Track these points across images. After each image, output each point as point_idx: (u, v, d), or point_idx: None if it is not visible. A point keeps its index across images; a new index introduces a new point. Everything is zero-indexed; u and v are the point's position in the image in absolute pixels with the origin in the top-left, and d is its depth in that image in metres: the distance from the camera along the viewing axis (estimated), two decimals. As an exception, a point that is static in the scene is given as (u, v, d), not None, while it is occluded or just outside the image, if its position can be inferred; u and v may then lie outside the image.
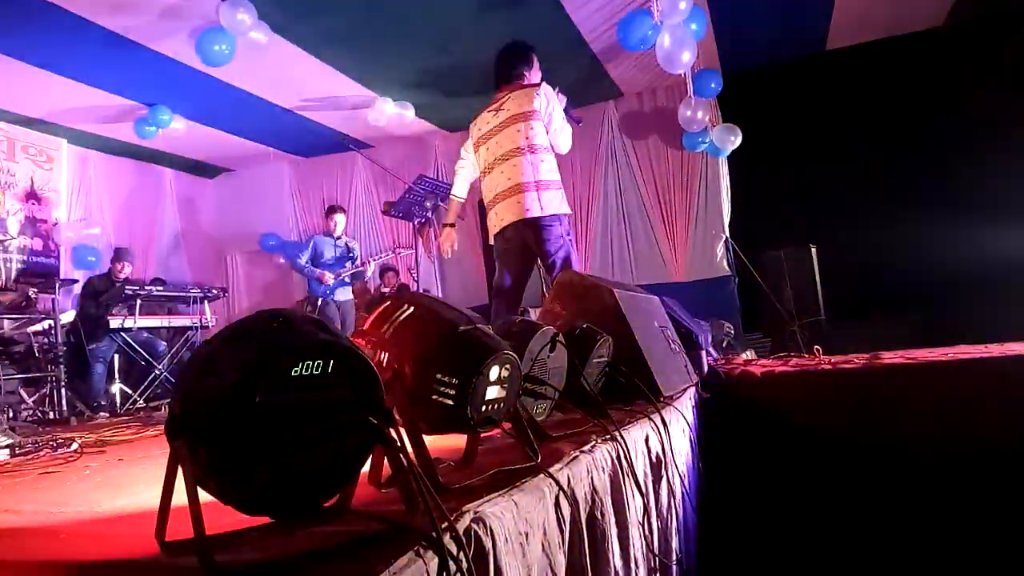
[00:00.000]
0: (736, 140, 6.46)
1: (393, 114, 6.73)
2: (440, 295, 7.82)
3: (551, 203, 3.54)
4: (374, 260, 6.32)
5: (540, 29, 5.61)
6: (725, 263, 7.06)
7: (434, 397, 1.11)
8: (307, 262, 6.27)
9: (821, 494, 2.82)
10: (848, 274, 6.25)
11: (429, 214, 4.95)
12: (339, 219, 6.47)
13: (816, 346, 4.19)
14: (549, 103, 3.63)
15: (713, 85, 6.38)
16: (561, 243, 3.49)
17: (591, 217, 7.50)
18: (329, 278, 6.03)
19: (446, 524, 0.80)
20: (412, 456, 1.11)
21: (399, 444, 0.89)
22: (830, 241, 6.44)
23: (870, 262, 6.10)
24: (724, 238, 7.07)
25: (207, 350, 0.83)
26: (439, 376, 1.11)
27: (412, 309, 1.19)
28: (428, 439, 1.52)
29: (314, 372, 0.82)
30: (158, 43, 5.33)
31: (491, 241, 3.73)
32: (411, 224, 4.99)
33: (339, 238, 6.45)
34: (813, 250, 6.50)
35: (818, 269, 6.50)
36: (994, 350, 3.09)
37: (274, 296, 8.59)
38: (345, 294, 6.32)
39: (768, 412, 2.96)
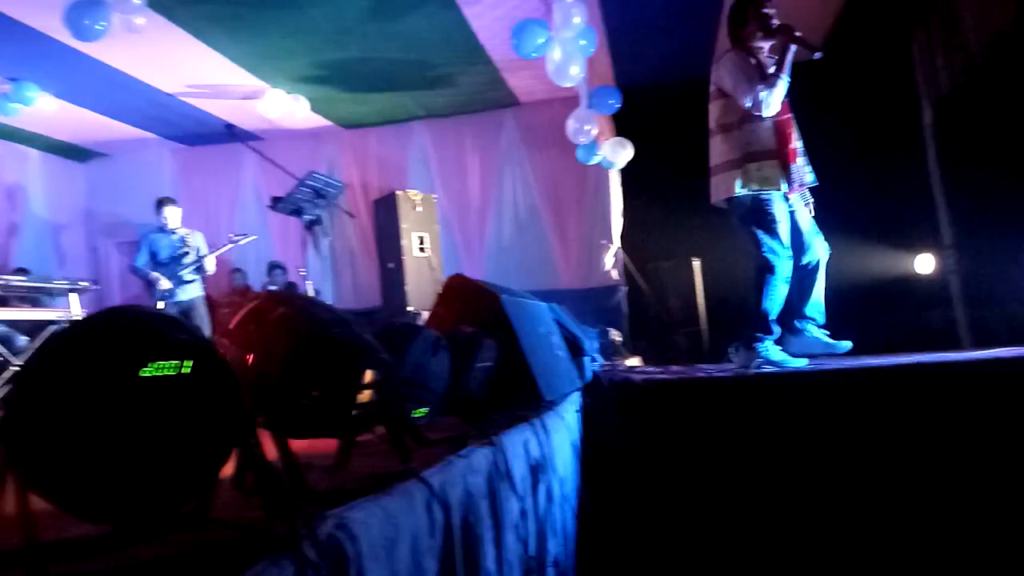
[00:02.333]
0: (627, 154, 6.67)
1: (285, 106, 6.51)
2: (332, 296, 7.63)
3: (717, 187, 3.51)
4: (213, 253, 5.90)
5: (438, 32, 5.61)
6: (614, 272, 7.27)
7: (303, 400, 1.08)
8: (144, 263, 5.83)
9: (696, 497, 2.95)
10: (727, 286, 6.58)
11: (318, 212, 4.81)
12: (171, 212, 5.97)
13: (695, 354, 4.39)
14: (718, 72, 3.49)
15: (611, 102, 6.56)
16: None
17: (487, 222, 7.54)
18: (164, 283, 5.62)
19: (306, 530, 0.78)
20: (279, 460, 1.08)
21: (259, 449, 0.85)
22: (712, 255, 6.77)
23: (748, 275, 6.45)
24: (614, 248, 7.28)
25: (48, 348, 0.77)
26: (309, 379, 1.08)
27: (283, 310, 1.15)
28: (302, 443, 1.48)
29: (167, 373, 0.78)
30: (23, 13, 4.91)
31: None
32: (300, 222, 4.83)
33: (174, 233, 6.03)
34: (696, 263, 6.81)
35: (700, 281, 6.82)
36: (859, 361, 3.33)
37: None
38: (188, 292, 5.91)
39: (648, 417, 3.06)
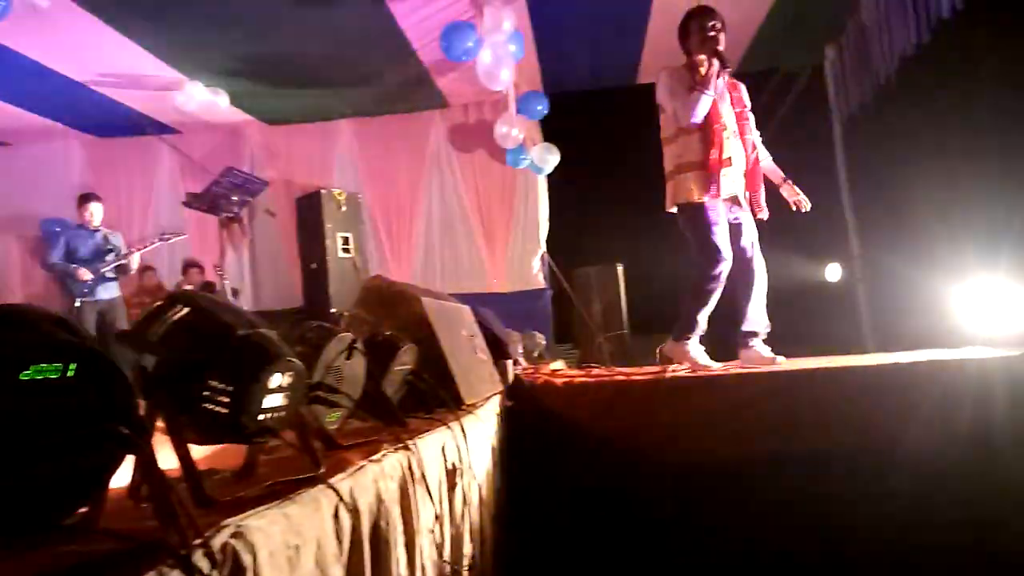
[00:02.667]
0: (554, 159, 6.75)
1: (204, 99, 6.28)
2: (251, 296, 7.41)
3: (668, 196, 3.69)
4: (137, 251, 5.68)
5: (365, 30, 5.53)
6: (541, 277, 7.33)
7: (205, 405, 1.04)
8: (59, 259, 5.56)
9: (613, 499, 3.00)
10: (650, 292, 6.73)
11: (237, 210, 4.66)
12: (95, 208, 5.78)
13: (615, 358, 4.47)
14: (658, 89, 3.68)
15: (540, 108, 6.62)
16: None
17: (414, 224, 7.48)
18: (85, 273, 5.36)
19: (199, 540, 0.75)
20: (178, 467, 1.04)
21: (151, 455, 0.82)
22: (636, 260, 6.92)
23: (670, 281, 6.62)
24: (541, 252, 7.34)
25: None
26: (212, 383, 1.04)
27: (186, 310, 1.11)
28: (211, 449, 1.42)
29: (50, 376, 0.73)
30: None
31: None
32: (218, 219, 4.67)
33: (96, 230, 5.79)
34: (620, 268, 6.94)
35: (624, 286, 6.95)
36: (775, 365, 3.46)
37: (56, 289, 7.66)
38: (109, 291, 5.67)
39: (568, 420, 3.10)
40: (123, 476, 0.90)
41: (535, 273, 7.32)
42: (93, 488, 0.83)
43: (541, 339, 5.98)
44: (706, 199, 3.51)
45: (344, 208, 6.67)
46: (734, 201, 3.64)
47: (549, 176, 7.22)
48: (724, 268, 3.52)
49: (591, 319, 6.93)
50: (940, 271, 4.21)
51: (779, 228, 3.93)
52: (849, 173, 6.38)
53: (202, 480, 1.03)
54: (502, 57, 4.99)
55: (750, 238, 3.67)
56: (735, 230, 3.61)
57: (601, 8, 5.51)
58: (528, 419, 3.04)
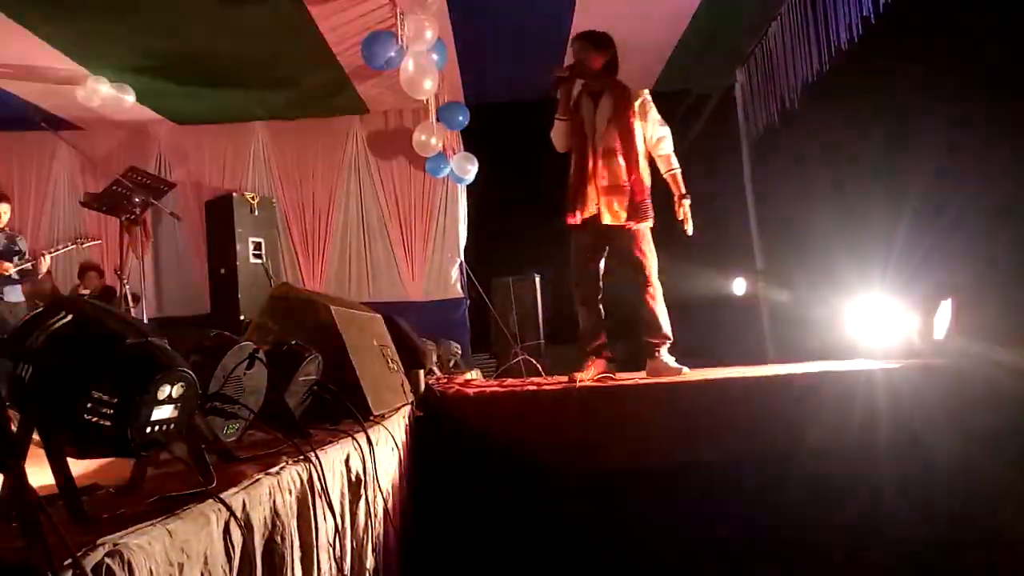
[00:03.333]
0: (473, 169, 6.77)
1: (109, 96, 5.97)
2: (154, 302, 7.08)
3: None
4: (49, 253, 5.37)
5: (284, 31, 5.41)
6: (458, 286, 7.33)
7: (87, 417, 0.99)
8: None
9: (520, 510, 3.02)
10: (566, 302, 6.83)
11: (139, 211, 4.46)
12: (4, 209, 5.46)
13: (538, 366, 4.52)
14: None
15: (461, 118, 6.63)
16: None
17: (330, 231, 7.34)
18: (7, 266, 5.05)
19: (69, 560, 0.72)
20: (55, 481, 0.99)
21: (20, 472, 0.78)
22: (552, 271, 7.01)
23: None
24: (459, 261, 7.34)
25: None
26: (95, 394, 1.00)
27: (70, 317, 1.06)
28: (96, 464, 1.36)
29: (-95, 388, 0.69)
30: None
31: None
32: (119, 221, 4.45)
33: (2, 232, 5.48)
34: (537, 278, 7.02)
35: (540, 296, 7.04)
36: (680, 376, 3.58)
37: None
38: (17, 293, 5.34)
39: (479, 430, 3.11)
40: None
41: (453, 282, 7.31)
42: (-45, 507, 0.78)
43: (457, 348, 5.98)
44: (569, 220, 3.85)
45: (256, 212, 6.49)
46: None
47: (469, 186, 7.24)
48: (579, 292, 3.94)
49: (508, 329, 6.98)
50: (833, 287, 4.45)
51: (690, 242, 4.08)
52: (755, 192, 6.67)
53: (81, 496, 0.99)
54: (425, 66, 4.98)
55: (634, 259, 3.89)
56: (624, 250, 3.86)
57: (523, 23, 5.58)
58: (438, 429, 3.03)
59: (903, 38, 3.96)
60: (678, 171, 3.84)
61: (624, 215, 3.68)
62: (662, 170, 3.84)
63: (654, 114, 3.83)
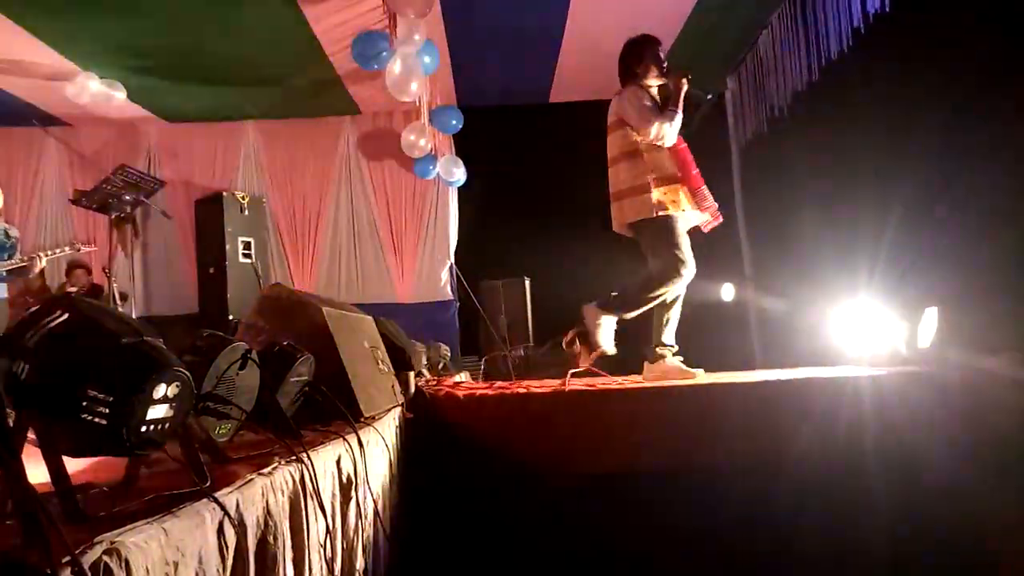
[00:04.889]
0: (460, 171, 6.79)
1: (99, 92, 5.94)
2: (142, 300, 7.04)
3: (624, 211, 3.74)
4: (46, 256, 5.31)
5: (277, 31, 5.41)
6: (448, 288, 7.33)
7: (84, 415, 1.00)
8: None
9: (511, 513, 3.03)
10: (556, 306, 6.84)
11: (129, 209, 4.44)
12: None
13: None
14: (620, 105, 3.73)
15: (454, 122, 6.64)
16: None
17: (320, 231, 7.33)
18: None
19: (67, 558, 0.72)
20: (51, 481, 0.99)
21: (18, 469, 0.78)
22: (542, 275, 7.03)
23: (574, 296, 6.76)
24: (449, 264, 7.35)
25: None
26: (92, 393, 1.00)
27: (66, 316, 1.06)
28: (90, 462, 1.36)
29: (-95, 385, 0.69)
30: None
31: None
32: (108, 218, 4.42)
33: None
34: (527, 282, 7.03)
35: (530, 300, 7.05)
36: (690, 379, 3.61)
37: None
38: (5, 289, 5.26)
39: (469, 432, 3.11)
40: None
41: (443, 285, 7.31)
42: (-49, 504, 0.78)
43: (446, 351, 5.98)
44: (678, 212, 3.64)
45: (246, 212, 6.47)
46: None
47: (460, 188, 7.25)
48: (689, 278, 3.68)
49: (497, 332, 6.98)
50: (820, 294, 4.49)
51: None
52: (744, 198, 6.72)
53: (76, 495, 0.99)
54: (412, 68, 4.98)
55: None
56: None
57: (517, 27, 5.60)
58: (429, 431, 3.04)
59: (892, 49, 4.02)
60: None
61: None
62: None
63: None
